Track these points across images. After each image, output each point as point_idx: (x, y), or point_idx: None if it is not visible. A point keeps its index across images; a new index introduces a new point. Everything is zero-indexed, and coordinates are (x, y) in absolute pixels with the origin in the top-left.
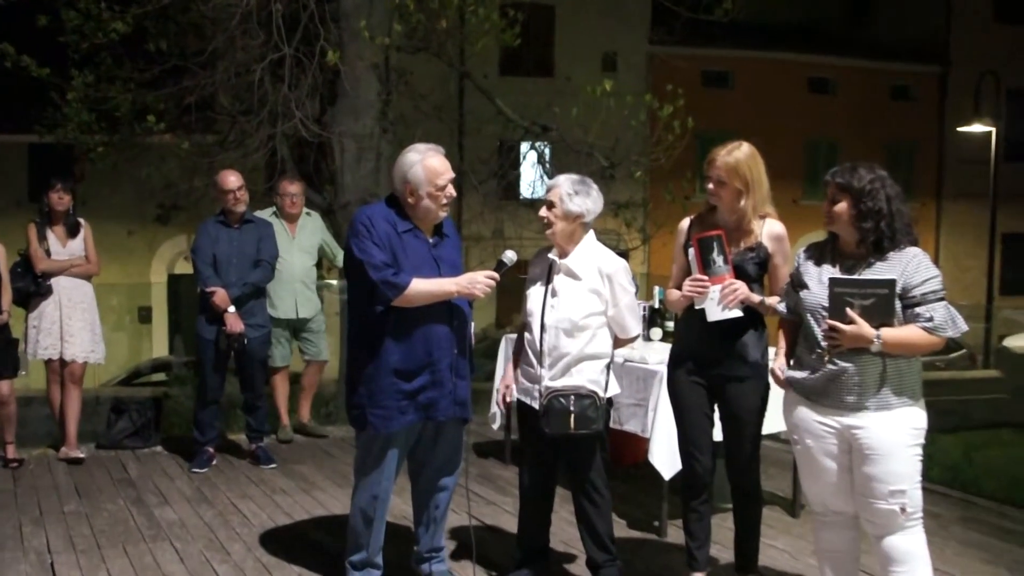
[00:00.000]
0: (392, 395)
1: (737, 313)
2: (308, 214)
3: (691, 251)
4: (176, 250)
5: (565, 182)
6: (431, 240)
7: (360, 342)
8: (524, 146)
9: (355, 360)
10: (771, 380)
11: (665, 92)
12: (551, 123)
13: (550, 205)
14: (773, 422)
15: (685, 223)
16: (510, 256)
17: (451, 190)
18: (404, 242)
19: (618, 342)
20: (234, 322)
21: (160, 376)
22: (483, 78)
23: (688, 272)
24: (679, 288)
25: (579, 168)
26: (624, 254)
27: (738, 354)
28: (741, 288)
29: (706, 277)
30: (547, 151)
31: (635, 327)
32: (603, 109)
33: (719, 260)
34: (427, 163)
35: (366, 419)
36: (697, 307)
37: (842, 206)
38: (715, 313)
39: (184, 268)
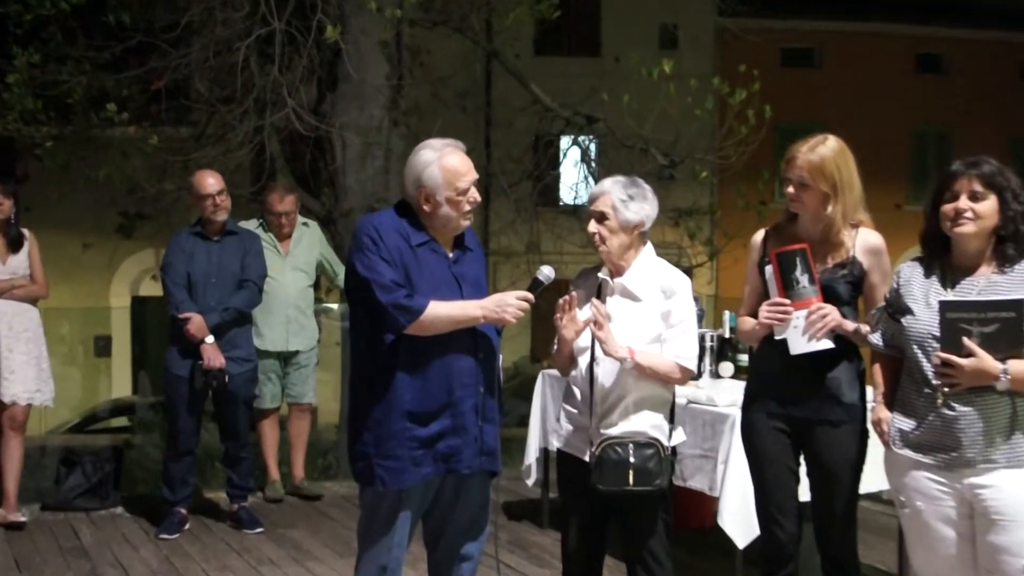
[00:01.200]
0: (404, 443)
1: (827, 344)
2: (304, 224)
3: (768, 269)
4: (141, 267)
5: (614, 187)
6: (451, 255)
7: (365, 379)
8: (565, 141)
9: (359, 401)
10: (871, 428)
11: (737, 74)
12: (597, 113)
13: (601, 217)
14: (873, 478)
15: (759, 236)
16: (547, 273)
17: (475, 194)
18: (418, 257)
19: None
20: (213, 355)
21: (121, 421)
22: (515, 58)
23: (763, 295)
24: (753, 315)
25: (631, 168)
26: (687, 272)
27: (829, 393)
28: (832, 313)
29: (788, 301)
30: (592, 147)
31: (693, 358)
32: (661, 95)
33: (803, 280)
34: (445, 162)
35: (373, 472)
36: (778, 337)
37: (988, 206)
38: (800, 344)
39: (151, 289)
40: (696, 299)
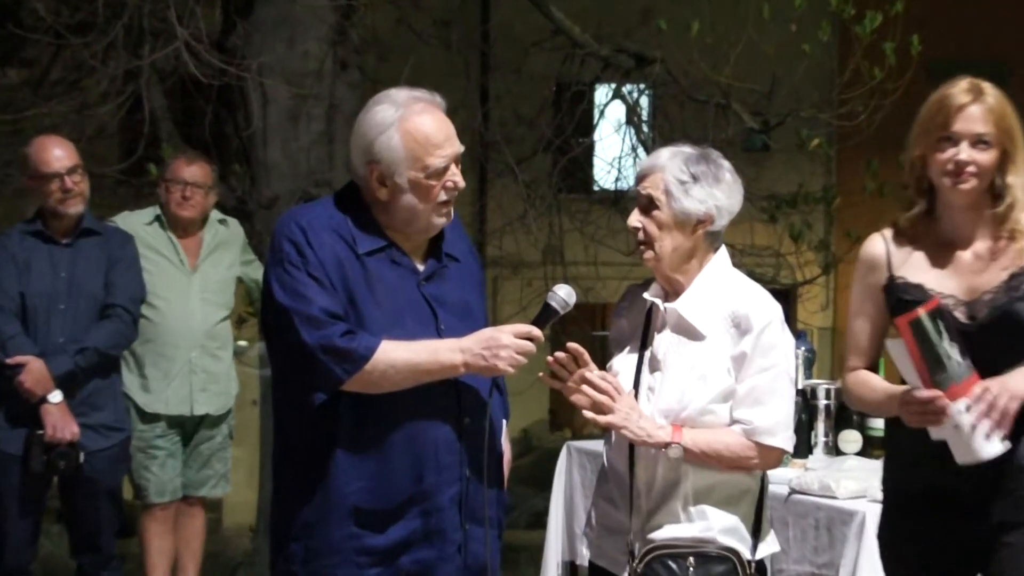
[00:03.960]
0: (350, 558)
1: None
2: (222, 223)
3: (899, 345)
4: None
5: (672, 161)
6: (421, 268)
7: (291, 460)
8: (601, 92)
9: (284, 493)
10: None
11: None
12: (652, 50)
13: (647, 205)
14: None
15: (877, 245)
16: (562, 297)
17: (456, 176)
18: (370, 273)
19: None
20: (60, 421)
21: None
22: None
23: (881, 331)
24: (870, 366)
25: (704, 133)
26: (785, 295)
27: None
28: (1000, 395)
29: (939, 392)
30: (645, 102)
31: (777, 429)
32: (749, 22)
33: (954, 352)
34: (410, 124)
35: None
36: (935, 438)
37: None
38: (970, 449)
39: None
40: (801, 335)
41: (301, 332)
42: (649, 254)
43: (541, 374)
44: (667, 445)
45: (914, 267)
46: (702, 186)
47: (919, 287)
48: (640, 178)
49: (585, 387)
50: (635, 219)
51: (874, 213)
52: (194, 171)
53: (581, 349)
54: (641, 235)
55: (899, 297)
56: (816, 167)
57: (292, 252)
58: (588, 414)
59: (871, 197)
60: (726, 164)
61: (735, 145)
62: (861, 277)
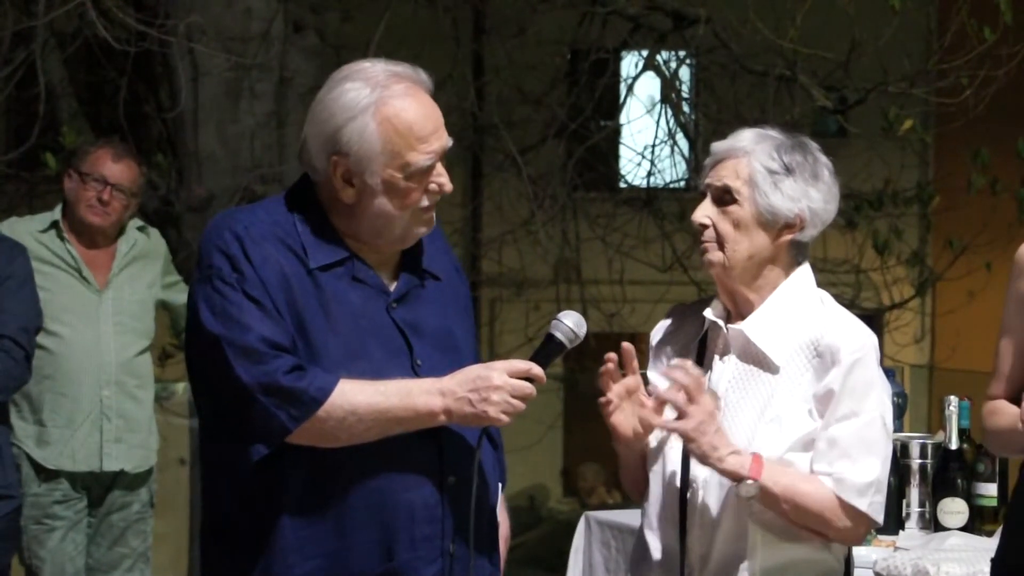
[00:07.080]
0: None
1: None
2: (141, 230)
3: None
4: None
5: (761, 145)
6: (392, 287)
7: (224, 532)
8: (629, 61)
9: (216, 567)
10: None
11: None
12: (693, 7)
13: (722, 196)
14: None
15: None
16: (569, 327)
17: (443, 177)
18: (325, 293)
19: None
20: None
21: None
22: None
23: None
24: (1013, 397)
25: (762, 114)
26: (868, 322)
27: None
28: None
29: None
30: (685, 72)
31: (867, 491)
32: None
33: None
34: (391, 111)
35: None
36: None
37: None
38: None
39: None
40: (889, 374)
41: (235, 368)
42: (717, 255)
43: (602, 399)
44: (740, 478)
45: None
46: (796, 181)
47: None
48: (713, 164)
49: (676, 376)
50: (704, 213)
51: (983, 217)
52: (121, 171)
53: (631, 350)
54: (708, 235)
55: None
56: (908, 157)
57: (225, 267)
58: (647, 416)
59: (979, 196)
60: (824, 159)
61: (802, 129)
62: (1011, 284)
